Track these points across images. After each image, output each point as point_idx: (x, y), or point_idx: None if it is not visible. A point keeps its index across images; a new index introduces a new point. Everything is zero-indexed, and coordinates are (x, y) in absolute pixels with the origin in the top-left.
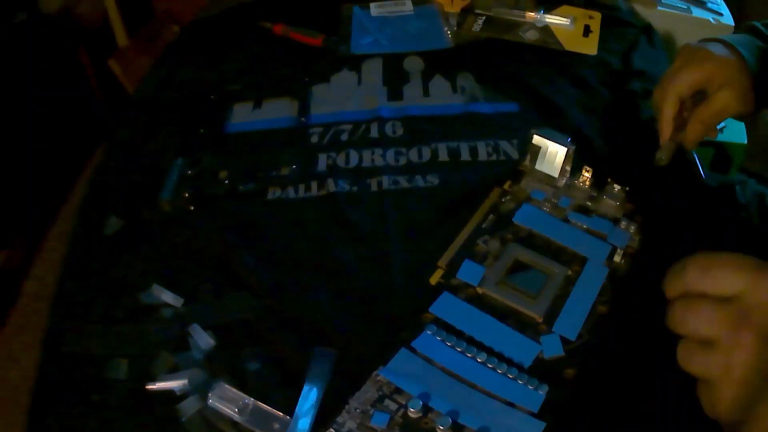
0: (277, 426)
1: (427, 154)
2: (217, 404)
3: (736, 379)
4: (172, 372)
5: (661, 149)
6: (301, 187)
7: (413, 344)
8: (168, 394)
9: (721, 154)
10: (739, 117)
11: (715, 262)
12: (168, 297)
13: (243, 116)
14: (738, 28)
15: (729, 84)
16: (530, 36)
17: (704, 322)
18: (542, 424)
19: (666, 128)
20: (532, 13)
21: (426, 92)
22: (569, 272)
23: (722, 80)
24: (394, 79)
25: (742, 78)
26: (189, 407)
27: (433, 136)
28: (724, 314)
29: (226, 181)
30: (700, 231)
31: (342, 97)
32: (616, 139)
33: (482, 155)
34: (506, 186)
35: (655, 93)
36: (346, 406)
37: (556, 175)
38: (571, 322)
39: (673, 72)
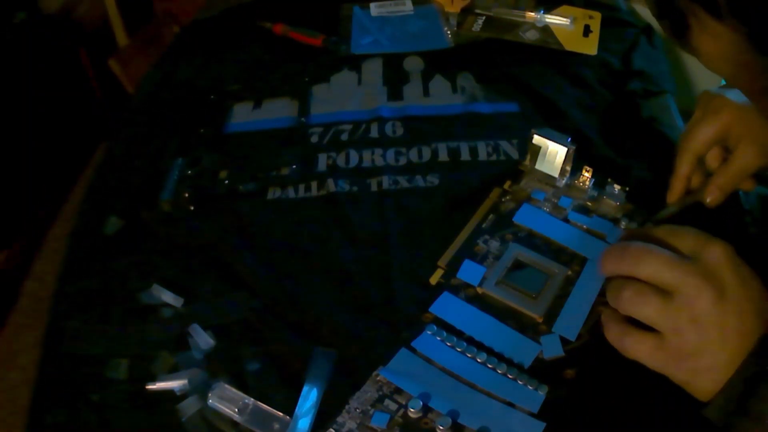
0: (277, 426)
1: (427, 154)
2: (217, 404)
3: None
4: (172, 372)
5: (661, 212)
6: (301, 187)
7: (413, 344)
8: (168, 394)
9: None
10: (763, 170)
11: (680, 229)
12: (168, 297)
13: (243, 116)
14: None
15: (749, 135)
16: (530, 36)
17: (664, 266)
18: (542, 425)
19: (676, 188)
20: (532, 13)
21: (426, 92)
22: (569, 272)
23: (742, 130)
24: (394, 79)
25: (764, 125)
26: (189, 407)
27: (433, 136)
28: (688, 265)
29: (226, 181)
30: None
31: (342, 97)
32: (616, 139)
33: (482, 155)
34: (506, 186)
35: (677, 146)
36: (346, 406)
37: (556, 175)
38: (571, 322)
39: (690, 126)
